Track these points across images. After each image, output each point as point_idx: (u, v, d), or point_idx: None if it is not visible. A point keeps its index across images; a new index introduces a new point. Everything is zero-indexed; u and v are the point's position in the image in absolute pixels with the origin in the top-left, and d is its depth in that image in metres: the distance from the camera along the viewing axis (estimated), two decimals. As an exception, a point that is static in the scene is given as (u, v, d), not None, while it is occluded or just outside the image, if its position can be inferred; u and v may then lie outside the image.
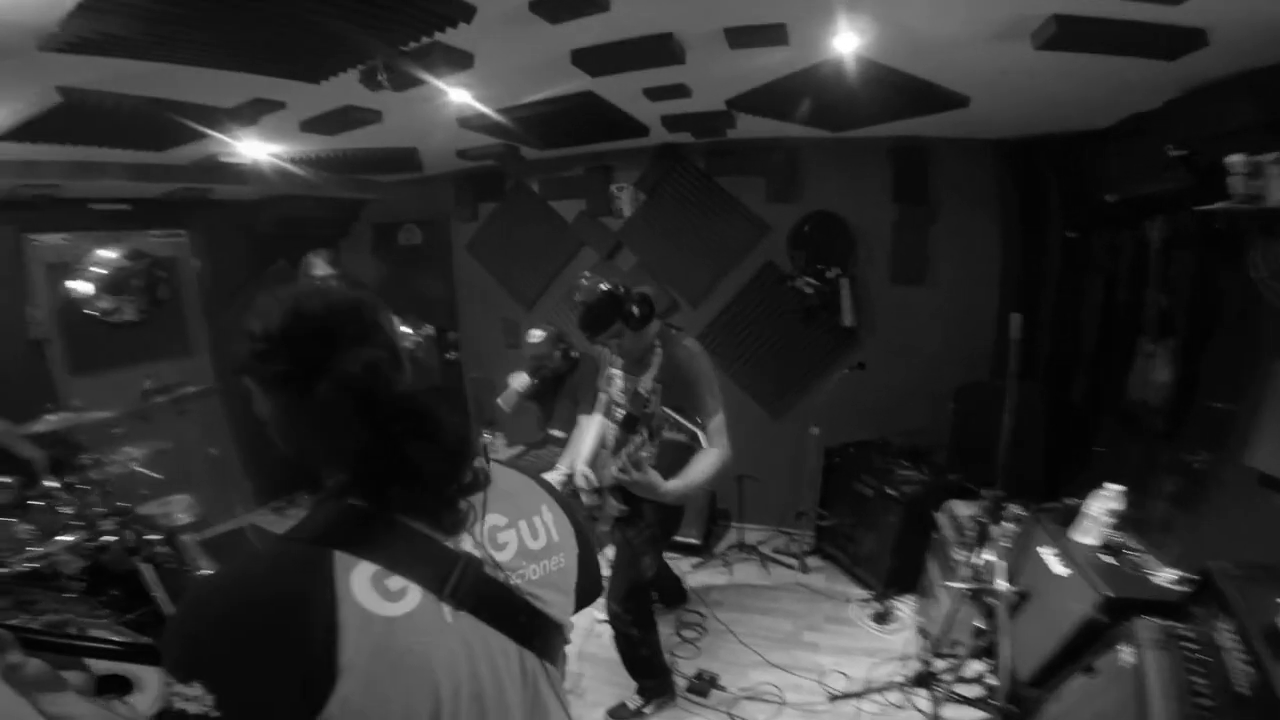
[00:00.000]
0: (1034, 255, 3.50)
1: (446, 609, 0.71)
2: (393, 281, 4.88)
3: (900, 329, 3.68)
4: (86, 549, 2.31)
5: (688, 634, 3.02)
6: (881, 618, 3.04)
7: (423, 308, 4.72)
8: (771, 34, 1.93)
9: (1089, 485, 2.36)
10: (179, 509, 2.90)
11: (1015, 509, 2.70)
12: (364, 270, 4.96)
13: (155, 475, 2.61)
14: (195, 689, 0.60)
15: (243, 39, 1.69)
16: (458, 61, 2.00)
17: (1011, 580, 2.28)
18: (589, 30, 1.89)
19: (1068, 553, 2.20)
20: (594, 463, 2.45)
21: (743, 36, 1.94)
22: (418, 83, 2.10)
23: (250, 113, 2.44)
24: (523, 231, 4.35)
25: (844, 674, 2.67)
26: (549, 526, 0.87)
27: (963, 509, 2.91)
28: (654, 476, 1.89)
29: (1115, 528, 2.24)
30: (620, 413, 2.24)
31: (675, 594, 3.21)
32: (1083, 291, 3.41)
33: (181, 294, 4.00)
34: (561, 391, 3.55)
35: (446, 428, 0.74)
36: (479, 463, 0.80)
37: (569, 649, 2.99)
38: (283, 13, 1.59)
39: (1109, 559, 2.13)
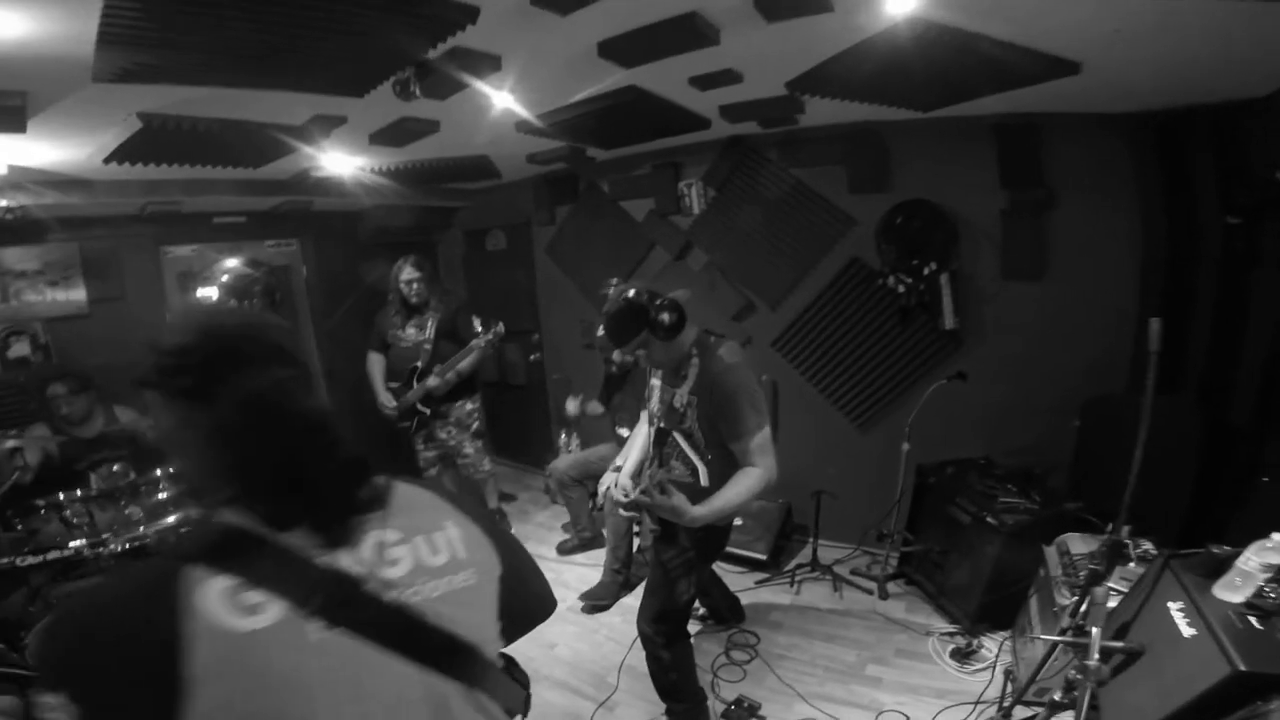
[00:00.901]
0: (1184, 245, 2.90)
1: (314, 625, 0.69)
2: (481, 284, 5.10)
3: (1013, 332, 3.20)
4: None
5: (737, 655, 2.81)
6: (964, 655, 2.66)
7: (507, 310, 4.89)
8: (809, 0, 1.72)
9: (1248, 525, 1.89)
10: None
11: (1146, 547, 2.25)
12: (453, 274, 5.24)
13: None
14: (59, 699, 0.62)
15: (270, 60, 1.77)
16: (485, 64, 2.00)
17: (1122, 634, 1.87)
18: (610, 18, 1.81)
19: (1199, 610, 1.76)
20: (636, 475, 2.34)
21: (776, 6, 1.75)
22: (455, 88, 2.12)
23: (321, 127, 2.60)
24: (596, 233, 4.34)
25: (905, 715, 2.36)
26: (454, 542, 0.84)
27: (1079, 545, 2.48)
28: (678, 501, 1.75)
29: (1275, 583, 1.77)
30: (657, 426, 2.12)
31: (730, 612, 3.02)
32: (1249, 288, 2.78)
33: (294, 299, 4.41)
34: (627, 389, 3.50)
35: (344, 446, 0.77)
36: (379, 480, 0.82)
37: (615, 659, 2.87)
38: (294, 32, 1.64)
39: (1256, 622, 1.68)
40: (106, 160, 2.63)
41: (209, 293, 4.02)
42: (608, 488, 2.33)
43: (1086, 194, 3.00)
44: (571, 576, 3.57)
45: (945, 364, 3.27)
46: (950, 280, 3.21)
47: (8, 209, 2.86)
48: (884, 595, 3.17)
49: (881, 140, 3.29)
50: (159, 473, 2.67)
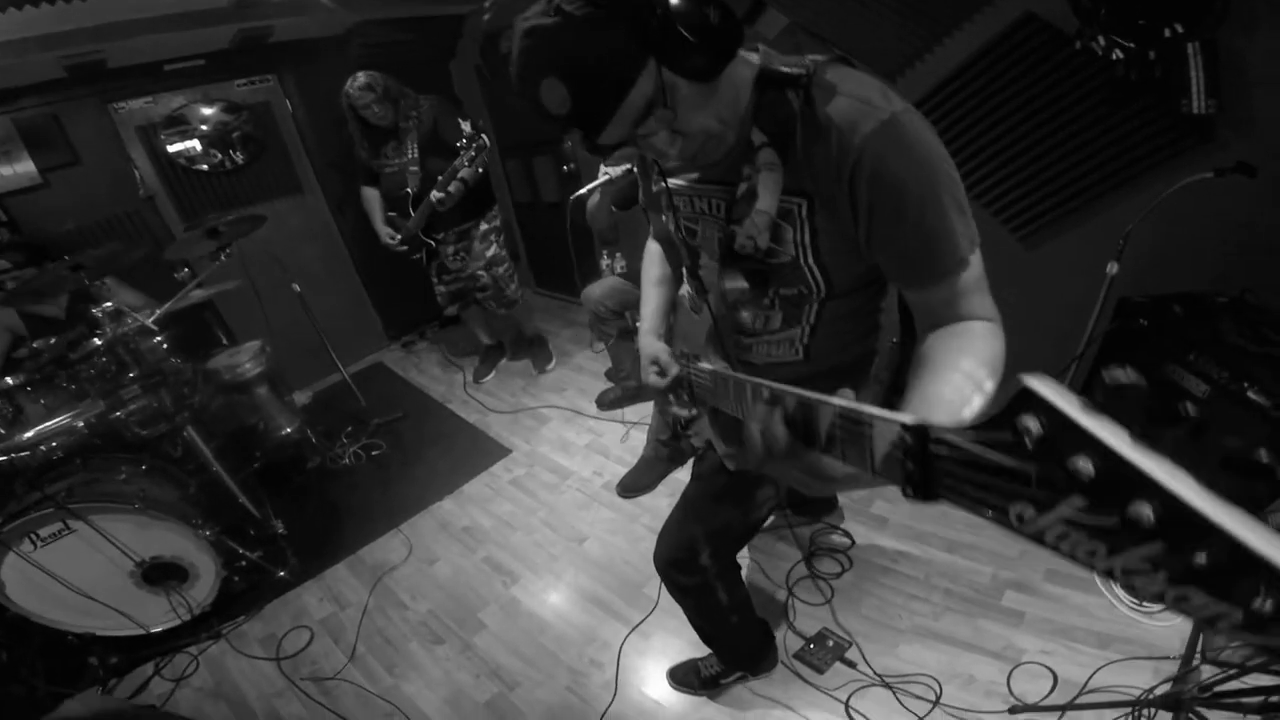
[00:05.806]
0: None
1: None
2: (501, 94, 4.20)
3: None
4: (113, 419, 2.19)
5: (823, 566, 2.06)
6: (1146, 589, 1.74)
7: (531, 119, 3.96)
8: None
9: None
10: (247, 358, 2.72)
11: None
12: (469, 89, 4.38)
13: (153, 327, 2.22)
14: None
15: None
16: None
17: None
18: None
19: None
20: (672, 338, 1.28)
21: None
22: None
23: None
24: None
25: (1051, 670, 1.60)
26: None
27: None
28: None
29: None
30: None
31: (819, 500, 2.24)
32: None
33: (282, 136, 3.83)
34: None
35: None
36: None
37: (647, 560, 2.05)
38: None
39: None
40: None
41: (188, 145, 3.51)
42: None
43: None
44: (612, 440, 2.93)
45: (1182, 160, 2.01)
46: (1203, 50, 1.88)
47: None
48: (1029, 489, 2.22)
49: None
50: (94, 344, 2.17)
